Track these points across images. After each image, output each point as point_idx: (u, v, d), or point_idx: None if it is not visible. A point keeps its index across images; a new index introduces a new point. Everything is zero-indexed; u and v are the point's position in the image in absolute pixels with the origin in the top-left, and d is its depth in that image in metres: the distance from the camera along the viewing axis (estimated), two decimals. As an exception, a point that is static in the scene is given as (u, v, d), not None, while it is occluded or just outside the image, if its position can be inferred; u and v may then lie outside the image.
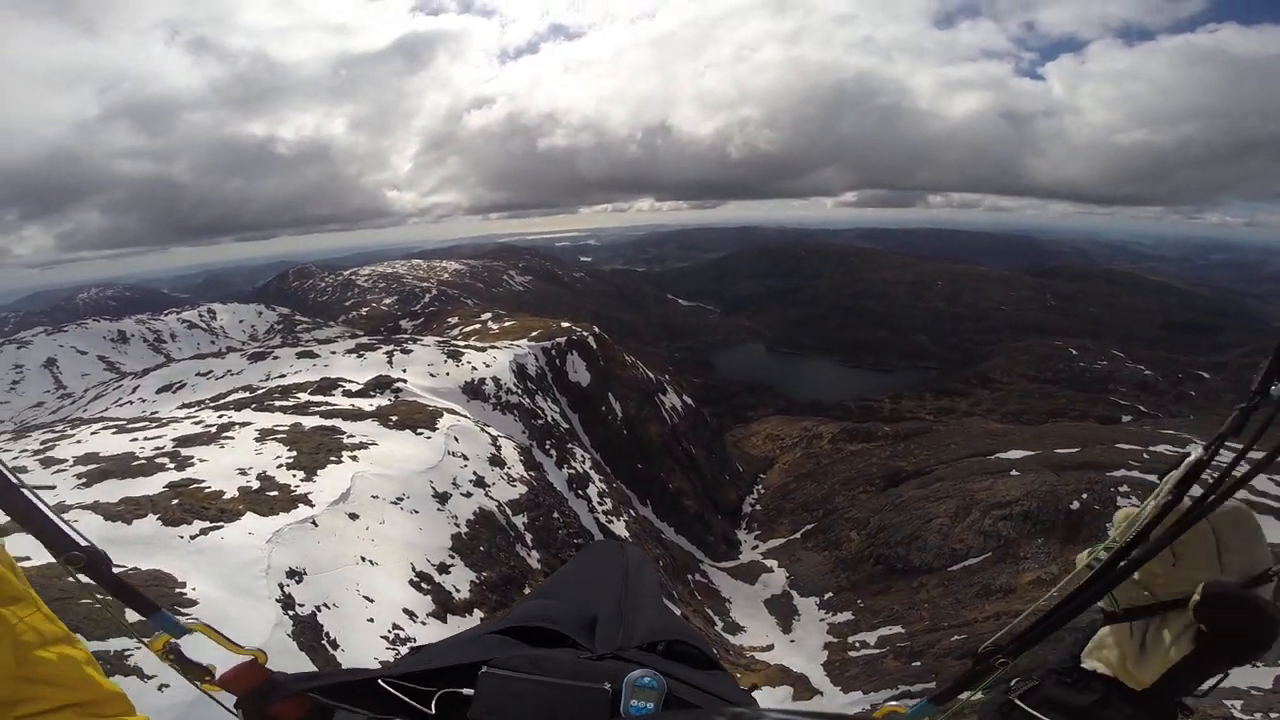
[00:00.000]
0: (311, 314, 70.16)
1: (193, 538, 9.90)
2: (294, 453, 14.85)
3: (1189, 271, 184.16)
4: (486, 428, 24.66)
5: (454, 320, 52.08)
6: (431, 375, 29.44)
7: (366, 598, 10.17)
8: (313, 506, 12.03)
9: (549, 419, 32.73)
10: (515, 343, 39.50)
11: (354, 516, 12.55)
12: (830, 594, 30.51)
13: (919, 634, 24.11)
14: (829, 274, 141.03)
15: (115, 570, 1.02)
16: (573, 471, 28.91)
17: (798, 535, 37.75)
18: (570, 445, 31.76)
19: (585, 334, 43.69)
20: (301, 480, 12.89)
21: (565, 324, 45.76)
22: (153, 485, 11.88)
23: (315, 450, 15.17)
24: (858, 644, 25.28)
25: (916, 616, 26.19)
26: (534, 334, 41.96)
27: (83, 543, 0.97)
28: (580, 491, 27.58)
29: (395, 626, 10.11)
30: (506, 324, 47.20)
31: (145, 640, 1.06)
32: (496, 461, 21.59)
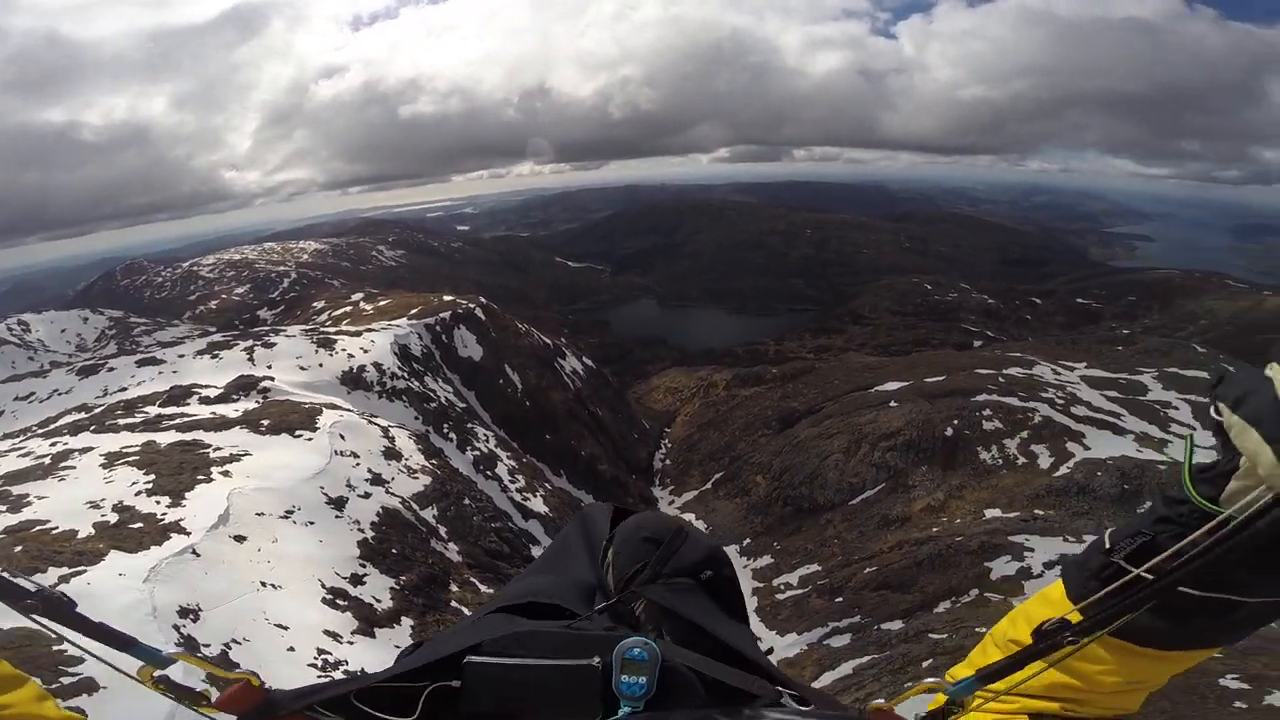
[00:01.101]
0: (150, 314, 60.40)
1: (51, 588, 7.99)
2: (152, 476, 12.59)
3: (1017, 212, 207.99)
4: (375, 419, 22.75)
5: (320, 304, 47.26)
6: (302, 369, 26.49)
7: (279, 625, 8.95)
8: (189, 535, 10.34)
9: (443, 400, 30.87)
10: (394, 322, 36.63)
11: (240, 539, 10.88)
12: (748, 540, 31.83)
13: (835, 569, 25.76)
14: (709, 228, 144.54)
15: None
16: (478, 453, 27.57)
17: (709, 485, 38.92)
18: (470, 425, 30.21)
19: (472, 305, 41.36)
20: (168, 506, 10.94)
21: (448, 297, 43.02)
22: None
23: (178, 470, 12.95)
24: (782, 586, 26.59)
25: (829, 553, 27.91)
26: (414, 311, 39.05)
27: (31, 589, 0.93)
28: (489, 472, 26.41)
29: (321, 651, 9.01)
30: (382, 303, 43.59)
31: (132, 674, 1.01)
32: (392, 454, 20.05)
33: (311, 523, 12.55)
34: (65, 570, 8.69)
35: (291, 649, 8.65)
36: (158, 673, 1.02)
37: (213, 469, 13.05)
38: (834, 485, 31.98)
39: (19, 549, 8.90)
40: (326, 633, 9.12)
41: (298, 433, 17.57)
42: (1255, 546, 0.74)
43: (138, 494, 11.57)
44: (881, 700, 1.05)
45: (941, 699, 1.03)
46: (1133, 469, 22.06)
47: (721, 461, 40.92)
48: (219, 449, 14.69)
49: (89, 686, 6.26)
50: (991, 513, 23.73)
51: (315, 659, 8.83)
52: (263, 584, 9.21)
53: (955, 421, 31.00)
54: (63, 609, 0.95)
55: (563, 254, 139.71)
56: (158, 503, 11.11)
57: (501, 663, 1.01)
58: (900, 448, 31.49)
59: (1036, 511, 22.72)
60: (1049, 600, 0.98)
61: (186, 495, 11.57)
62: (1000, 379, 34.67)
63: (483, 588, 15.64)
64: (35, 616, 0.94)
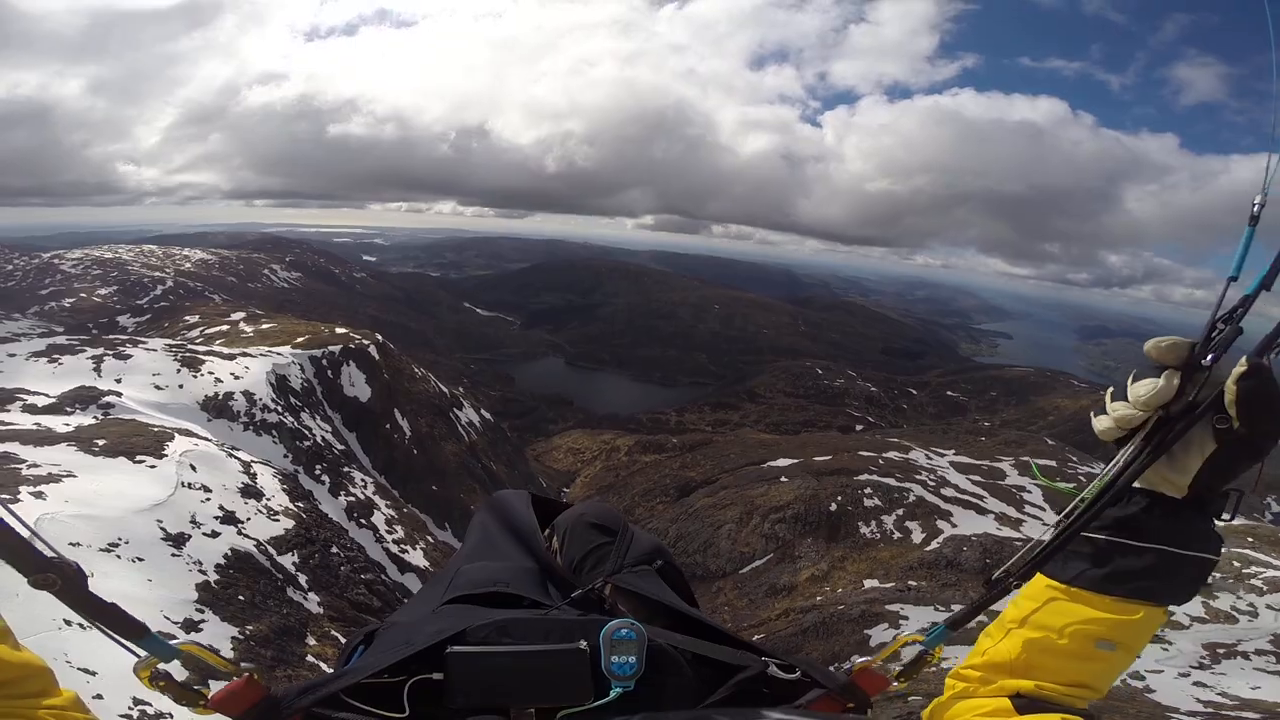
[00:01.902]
0: None
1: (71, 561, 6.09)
2: (-72, 493, 10.31)
3: (901, 305, 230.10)
4: (236, 452, 20.43)
5: (193, 319, 42.74)
6: (158, 388, 23.51)
7: (85, 670, 7.30)
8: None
9: (319, 439, 28.34)
10: (275, 349, 33.59)
11: (36, 577, 8.99)
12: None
13: (800, 657, 25.59)
14: (625, 292, 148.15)
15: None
16: (353, 499, 25.26)
17: (601, 549, 37.80)
18: (347, 469, 27.80)
19: (366, 342, 38.87)
20: None
21: (341, 329, 40.27)
22: None
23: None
24: (666, 653, 25.86)
25: (720, 619, 27.67)
26: (300, 340, 36.03)
27: (51, 555, 0.84)
28: (364, 520, 24.17)
29: (138, 701, 7.44)
30: (264, 326, 40.12)
31: (133, 668, 0.94)
32: (251, 493, 17.94)
33: (140, 559, 10.70)
34: None
35: (99, 696, 7.11)
36: (159, 666, 0.95)
37: (22, 488, 10.88)
38: (726, 554, 32.29)
39: None
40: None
41: (139, 458, 15.30)
42: (1130, 491, 1.02)
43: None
44: (866, 658, 1.17)
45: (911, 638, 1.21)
46: (993, 545, 24.25)
47: (617, 526, 40.22)
48: (35, 466, 12.36)
49: None
50: (870, 582, 24.79)
51: (130, 709, 7.36)
52: (67, 622, 7.58)
53: (839, 498, 32.60)
54: (78, 588, 0.87)
55: (472, 300, 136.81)
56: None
57: (488, 651, 0.98)
58: (789, 520, 32.63)
59: (910, 582, 24.10)
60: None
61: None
62: (880, 461, 37.08)
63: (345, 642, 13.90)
64: (49, 590, 0.84)
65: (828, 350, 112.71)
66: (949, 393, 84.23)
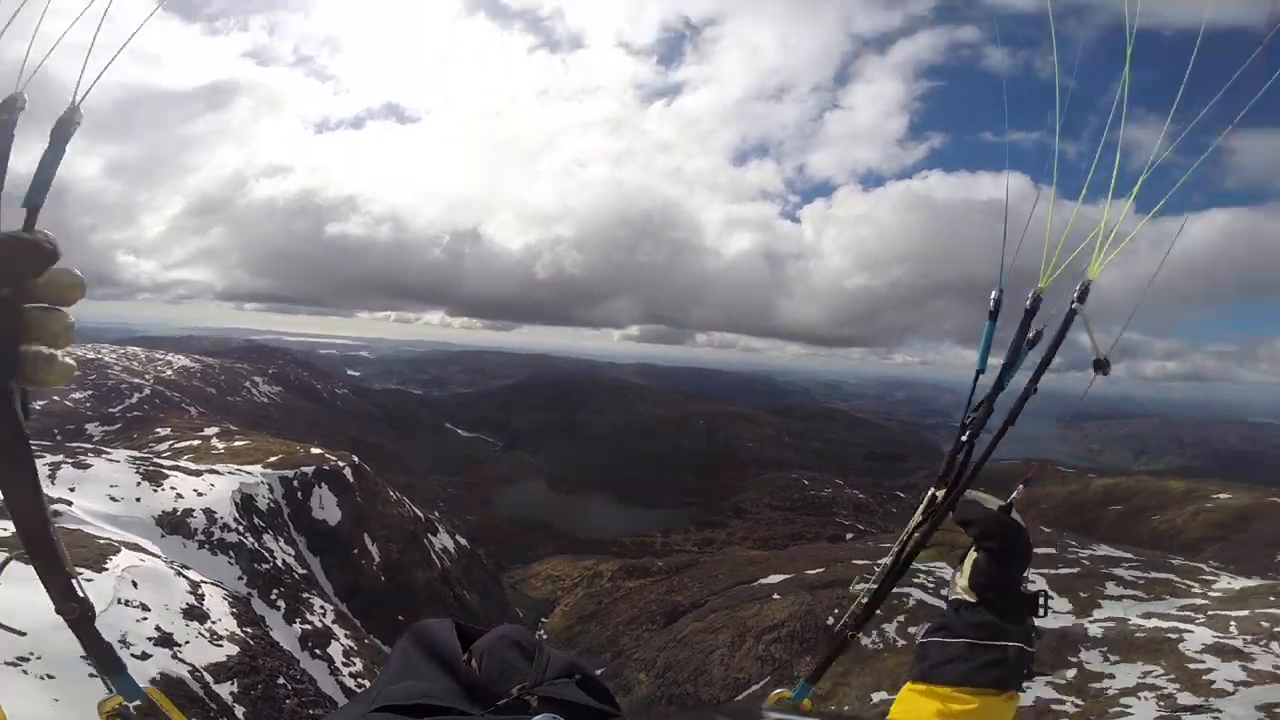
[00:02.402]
0: None
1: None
2: None
3: (882, 408, 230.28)
4: (186, 571, 19.03)
5: (165, 431, 41.40)
6: (113, 499, 22.29)
7: None
8: None
9: (279, 563, 26.69)
10: (245, 468, 32.61)
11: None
12: (625, 746, 27.81)
13: None
14: (610, 409, 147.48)
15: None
16: (308, 627, 23.21)
17: (584, 684, 34.68)
18: (307, 595, 25.89)
19: (342, 464, 37.91)
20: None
21: (316, 450, 39.32)
22: None
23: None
24: (655, 795, 22.94)
25: None
26: (272, 459, 35.12)
27: (80, 595, 1.02)
28: (319, 651, 22.06)
29: None
30: (238, 443, 39.06)
31: (99, 704, 1.07)
32: (195, 614, 16.54)
33: (50, 677, 9.41)
34: None
35: None
36: (121, 704, 1.06)
37: (-74, 595, 9.81)
38: (719, 681, 29.71)
39: None
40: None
41: (76, 570, 14.06)
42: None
43: None
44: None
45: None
46: None
47: (603, 658, 37.28)
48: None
49: None
50: (879, 695, 22.71)
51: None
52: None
53: (836, 610, 30.66)
54: (87, 624, 1.06)
55: (454, 420, 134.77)
56: None
57: None
58: (784, 639, 30.53)
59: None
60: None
61: None
62: (875, 568, 35.03)
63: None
64: (68, 620, 1.03)
65: (812, 460, 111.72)
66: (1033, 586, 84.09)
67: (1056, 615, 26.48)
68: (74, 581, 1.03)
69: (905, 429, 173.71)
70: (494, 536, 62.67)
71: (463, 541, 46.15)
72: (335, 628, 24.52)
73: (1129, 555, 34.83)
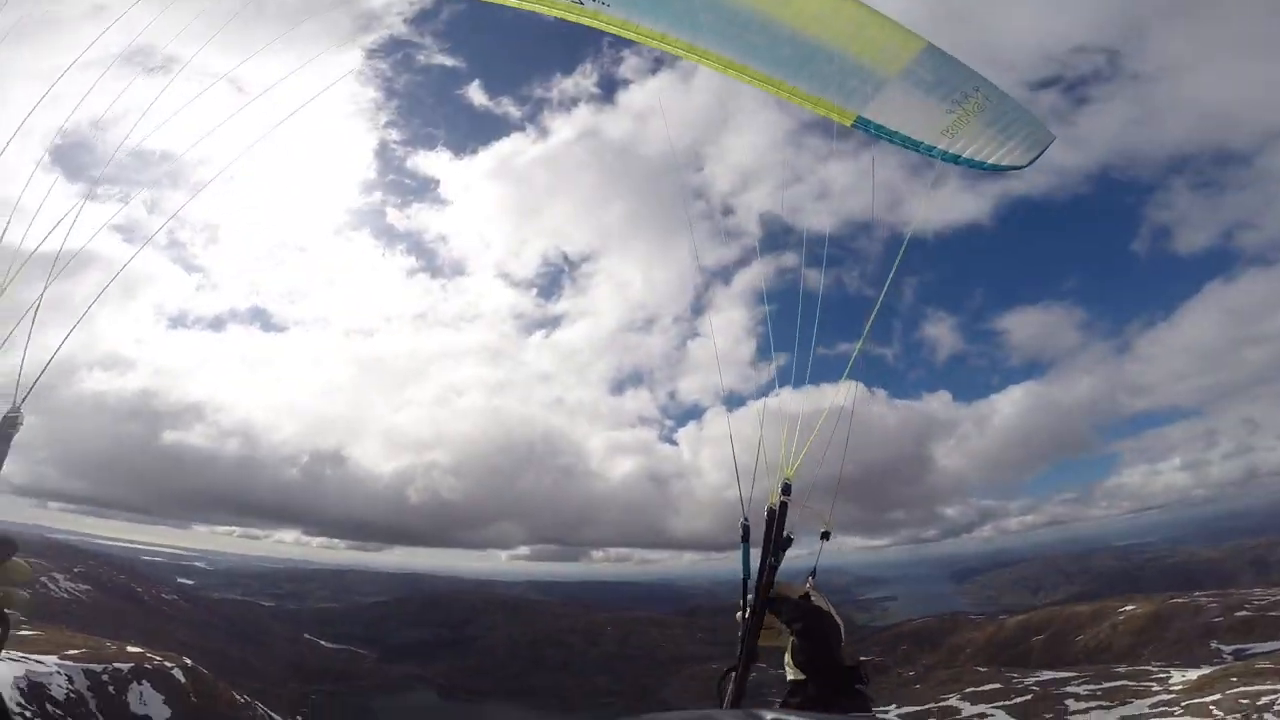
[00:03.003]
0: None
1: None
2: None
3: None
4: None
5: None
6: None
7: None
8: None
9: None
10: (38, 657, 26.91)
11: None
12: None
13: None
14: (505, 623, 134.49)
15: None
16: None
17: None
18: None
19: (169, 664, 32.41)
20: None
21: (134, 649, 33.20)
22: None
23: None
24: None
25: None
26: (71, 652, 29.28)
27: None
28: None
29: None
30: (25, 633, 32.11)
31: None
32: None
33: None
34: None
35: None
36: None
37: None
38: None
39: None
40: None
41: None
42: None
43: None
44: None
45: None
46: None
47: None
48: None
49: None
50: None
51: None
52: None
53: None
54: None
55: (316, 633, 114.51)
56: None
57: None
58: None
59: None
60: None
61: None
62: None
63: None
64: None
65: (730, 650, 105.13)
66: (862, 658, 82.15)
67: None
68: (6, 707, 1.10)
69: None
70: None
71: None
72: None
73: (1073, 674, 35.24)
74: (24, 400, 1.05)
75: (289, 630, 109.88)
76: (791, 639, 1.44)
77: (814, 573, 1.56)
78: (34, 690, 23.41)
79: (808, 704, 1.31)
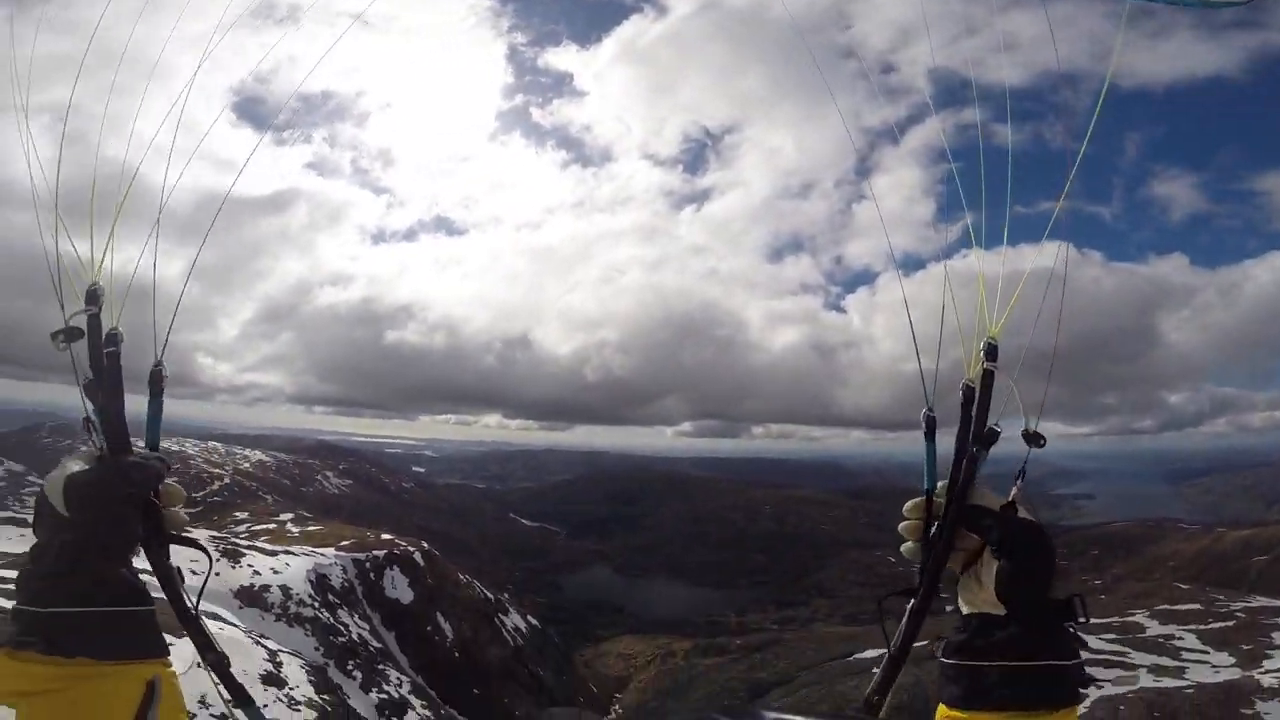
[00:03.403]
0: None
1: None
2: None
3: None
4: (264, 640, 19.07)
5: (243, 515, 43.00)
6: (194, 573, 22.63)
7: None
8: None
9: (354, 636, 26.46)
10: (319, 550, 33.40)
11: None
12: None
13: None
14: (671, 501, 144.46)
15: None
16: (385, 696, 22.47)
17: (665, 764, 31.92)
18: (382, 666, 25.32)
19: (411, 549, 38.53)
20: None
21: (387, 536, 40.13)
22: None
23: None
24: None
25: None
26: (344, 543, 35.98)
27: (219, 649, 1.28)
28: (395, 718, 21.24)
29: None
30: (311, 528, 40.11)
31: None
32: (273, 680, 16.50)
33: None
34: None
35: None
36: None
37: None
38: (820, 758, 26.48)
39: None
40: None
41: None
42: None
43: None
44: None
45: None
46: (1157, 699, 19.48)
47: (684, 735, 34.32)
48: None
49: None
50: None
51: None
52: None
53: (948, 678, 27.57)
54: (226, 669, 1.30)
55: (517, 511, 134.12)
56: None
57: None
58: (892, 711, 27.26)
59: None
60: None
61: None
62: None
63: None
64: (208, 667, 1.29)
65: (896, 538, 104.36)
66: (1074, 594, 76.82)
67: (1217, 669, 22.86)
68: (211, 638, 1.27)
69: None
70: (564, 618, 60.98)
71: (534, 621, 44.95)
72: (411, 698, 23.73)
73: (1291, 604, 30.37)
74: (164, 352, 1.28)
75: (496, 510, 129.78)
76: (995, 565, 1.18)
77: (1022, 475, 1.25)
78: (320, 581, 28.77)
79: (1006, 647, 1.10)
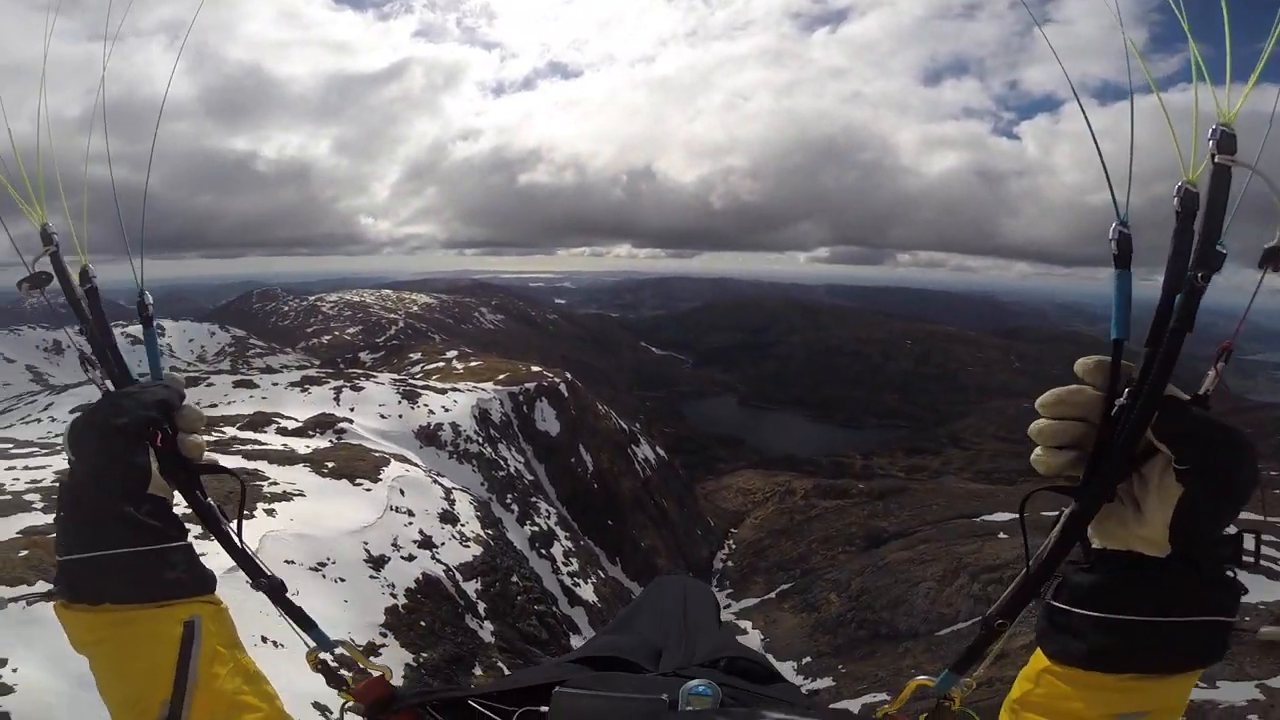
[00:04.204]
0: (270, 338, 65.32)
1: (29, 603, 7.50)
2: (198, 504, 12.32)
3: (1140, 332, 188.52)
4: (440, 479, 22.30)
5: (416, 356, 49.42)
6: (383, 417, 26.91)
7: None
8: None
9: (512, 470, 30.29)
10: (480, 385, 37.16)
11: (259, 587, 10.13)
12: (809, 658, 28.28)
13: (847, 713, 22.07)
14: (801, 329, 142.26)
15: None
16: (536, 529, 26.40)
17: (773, 595, 35.52)
18: (535, 499, 29.29)
19: (557, 380, 41.47)
20: (194, 538, 10.36)
21: (536, 368, 43.56)
22: (5, 529, 9.32)
23: (224, 500, 12.55)
24: None
25: (902, 684, 24.01)
26: (501, 377, 39.63)
27: (269, 573, 1.25)
28: (544, 551, 25.09)
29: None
30: (472, 364, 44.84)
31: (305, 656, 1.29)
32: (449, 518, 19.30)
33: (342, 580, 11.69)
34: (52, 587, 8.09)
35: None
36: (321, 655, 1.27)
37: (259, 505, 12.71)
38: (921, 613, 28.00)
39: (23, 554, 8.45)
40: (316, 706, 7.85)
41: (358, 481, 17.27)
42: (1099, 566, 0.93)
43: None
44: (887, 705, 1.27)
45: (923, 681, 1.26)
46: None
47: (791, 573, 37.51)
48: (274, 484, 14.49)
49: None
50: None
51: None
52: (263, 639, 8.14)
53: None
54: (282, 594, 1.26)
55: (648, 339, 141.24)
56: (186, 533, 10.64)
57: (585, 694, 1.16)
58: (1006, 581, 26.36)
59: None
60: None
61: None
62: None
63: (508, 674, 14.04)
64: (261, 591, 1.25)
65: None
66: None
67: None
68: (260, 563, 1.24)
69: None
70: (688, 448, 65.57)
71: (661, 453, 48.79)
72: (557, 530, 27.67)
73: None
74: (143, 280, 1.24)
75: (629, 338, 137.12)
76: (1179, 490, 0.82)
77: (1227, 355, 0.90)
78: (483, 417, 32.10)
79: (1168, 600, 0.83)
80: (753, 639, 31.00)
